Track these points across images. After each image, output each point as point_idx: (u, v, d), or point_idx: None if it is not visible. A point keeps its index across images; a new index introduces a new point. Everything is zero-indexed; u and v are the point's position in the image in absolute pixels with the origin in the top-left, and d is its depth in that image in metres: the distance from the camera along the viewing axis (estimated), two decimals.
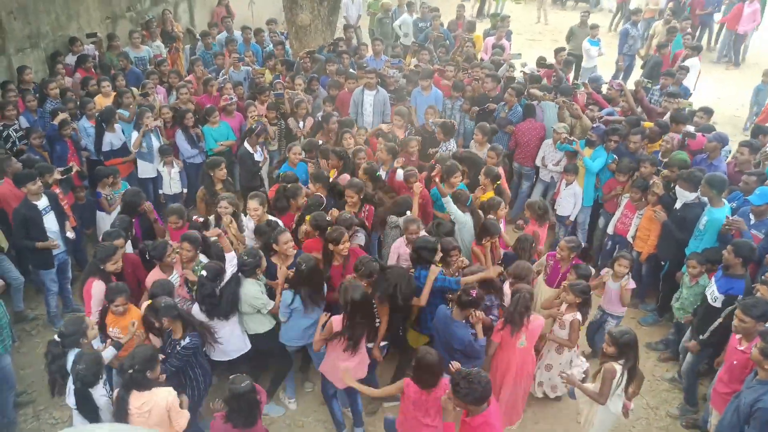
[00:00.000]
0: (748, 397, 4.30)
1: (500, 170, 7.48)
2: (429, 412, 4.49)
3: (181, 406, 4.40)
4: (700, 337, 5.58)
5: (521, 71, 10.33)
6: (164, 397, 4.26)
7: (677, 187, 6.53)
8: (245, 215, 6.54)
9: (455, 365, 4.40)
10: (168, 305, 4.77)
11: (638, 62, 13.22)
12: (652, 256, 6.94)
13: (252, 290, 5.34)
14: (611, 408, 4.83)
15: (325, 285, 5.56)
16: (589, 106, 8.71)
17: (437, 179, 6.63)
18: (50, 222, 6.47)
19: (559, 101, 8.43)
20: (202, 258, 5.78)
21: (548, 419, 5.89)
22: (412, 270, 5.58)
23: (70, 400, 4.35)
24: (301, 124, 8.83)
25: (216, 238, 5.66)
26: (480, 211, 6.69)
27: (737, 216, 6.16)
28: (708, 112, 8.24)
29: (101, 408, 4.29)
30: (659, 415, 5.99)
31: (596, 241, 8.09)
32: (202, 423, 5.44)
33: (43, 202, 6.42)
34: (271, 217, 6.33)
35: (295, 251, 5.70)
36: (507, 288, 5.67)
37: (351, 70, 9.88)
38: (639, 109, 8.76)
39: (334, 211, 6.22)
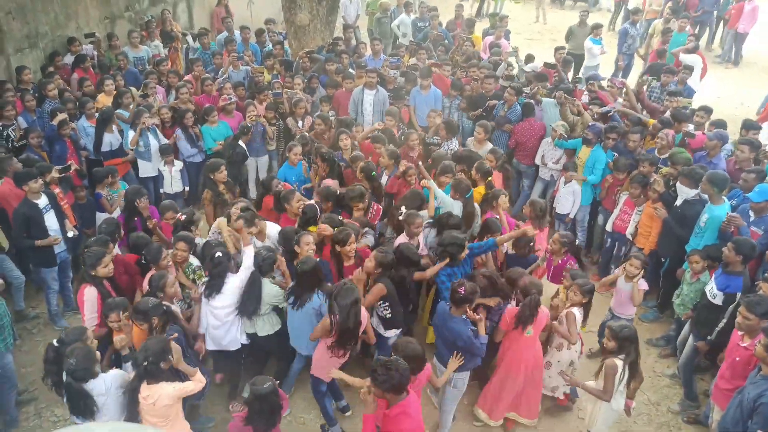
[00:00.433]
0: (751, 392, 4.32)
1: (499, 174, 7.52)
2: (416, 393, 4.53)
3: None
4: (708, 338, 5.59)
5: (525, 70, 10.39)
6: (168, 392, 4.31)
7: (678, 184, 6.54)
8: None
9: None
10: (155, 304, 4.80)
11: (638, 61, 13.27)
12: (652, 252, 6.94)
13: (271, 290, 5.41)
14: (613, 405, 4.84)
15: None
16: (591, 105, 8.71)
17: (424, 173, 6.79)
18: (51, 220, 6.49)
19: (559, 96, 8.43)
20: (193, 260, 5.87)
21: (550, 416, 5.90)
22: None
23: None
24: (300, 123, 8.84)
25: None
26: (476, 205, 6.73)
27: (736, 213, 6.18)
28: (708, 111, 8.25)
29: (100, 407, 4.28)
30: (660, 411, 6.00)
31: (596, 239, 8.10)
32: (202, 419, 5.44)
33: (43, 201, 6.43)
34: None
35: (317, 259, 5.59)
36: None
37: (350, 70, 9.88)
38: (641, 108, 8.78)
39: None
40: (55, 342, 4.48)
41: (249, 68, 10.58)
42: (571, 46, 12.89)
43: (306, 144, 7.83)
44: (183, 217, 6.19)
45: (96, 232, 7.16)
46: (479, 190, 7.02)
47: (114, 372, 4.49)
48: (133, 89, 9.27)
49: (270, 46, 11.83)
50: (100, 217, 7.25)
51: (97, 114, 8.31)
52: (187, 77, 9.95)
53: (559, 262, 6.17)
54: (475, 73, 9.70)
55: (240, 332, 5.50)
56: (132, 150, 8.17)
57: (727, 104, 12.61)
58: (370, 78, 8.98)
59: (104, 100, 8.84)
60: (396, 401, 4.06)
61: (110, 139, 8.15)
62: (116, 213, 6.99)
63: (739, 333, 4.87)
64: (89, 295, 5.22)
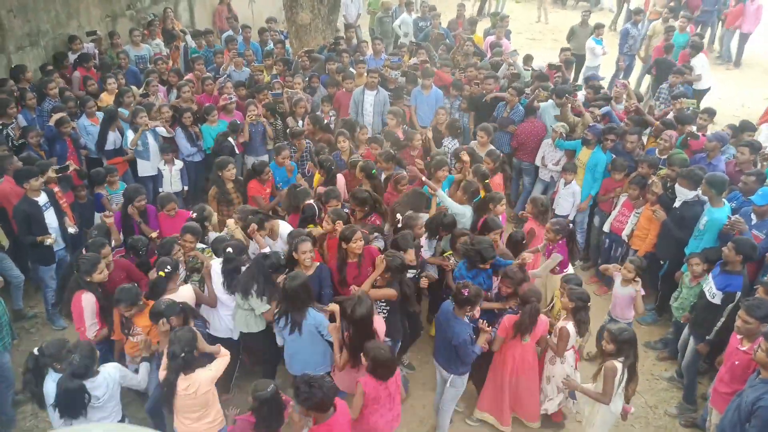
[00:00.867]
0: (750, 395, 4.30)
1: (498, 175, 7.53)
2: (387, 402, 4.56)
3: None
4: (707, 337, 5.59)
5: (532, 68, 10.40)
6: (206, 375, 4.47)
7: (677, 186, 6.53)
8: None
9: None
10: (170, 304, 4.82)
11: (638, 62, 13.24)
12: (651, 255, 6.93)
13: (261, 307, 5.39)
14: (612, 408, 4.83)
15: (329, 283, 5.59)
16: (590, 108, 8.69)
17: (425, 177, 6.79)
18: (51, 218, 6.51)
19: (566, 101, 8.40)
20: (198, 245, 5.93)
21: (547, 419, 5.86)
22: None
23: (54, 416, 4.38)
24: (300, 123, 8.83)
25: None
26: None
27: (738, 216, 6.16)
28: (711, 113, 8.24)
29: (100, 405, 4.32)
30: (658, 414, 6.00)
31: (593, 240, 8.09)
32: None
33: (43, 198, 6.46)
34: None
35: (317, 263, 5.57)
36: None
37: (351, 69, 9.87)
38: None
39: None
40: (35, 351, 4.47)
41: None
42: (572, 47, 12.84)
43: (298, 136, 7.98)
44: (194, 215, 6.22)
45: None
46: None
47: (111, 367, 4.53)
48: (134, 88, 9.28)
49: (271, 45, 11.82)
50: (99, 217, 7.25)
51: (98, 112, 8.33)
52: (188, 76, 9.95)
53: (550, 246, 6.22)
54: (472, 73, 9.67)
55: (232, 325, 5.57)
56: (131, 150, 8.17)
57: (729, 106, 12.58)
58: (371, 78, 8.96)
59: (107, 98, 8.86)
60: (322, 419, 4.02)
61: (113, 138, 8.17)
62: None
63: (738, 337, 4.86)
64: (87, 301, 5.18)
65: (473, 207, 6.68)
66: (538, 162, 8.58)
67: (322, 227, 6.11)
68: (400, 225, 6.06)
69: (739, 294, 5.43)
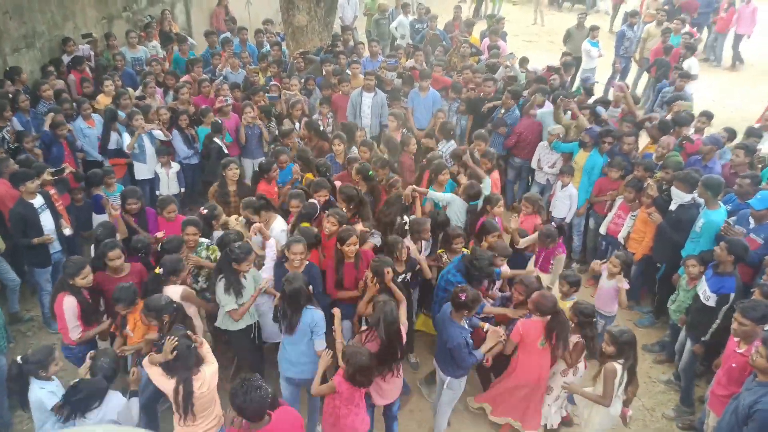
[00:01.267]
0: (747, 398, 4.31)
1: (496, 172, 7.53)
2: (358, 406, 4.61)
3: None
4: (702, 338, 5.61)
5: (522, 70, 10.41)
6: (211, 369, 4.45)
7: (673, 188, 6.54)
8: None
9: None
10: (168, 302, 4.83)
11: (634, 65, 13.29)
12: (646, 257, 6.95)
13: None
14: (611, 410, 4.84)
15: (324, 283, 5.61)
16: (583, 110, 8.70)
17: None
18: (46, 220, 6.48)
19: (560, 102, 8.41)
20: (202, 240, 5.95)
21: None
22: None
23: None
24: (297, 125, 8.81)
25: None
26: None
27: (736, 219, 6.19)
28: (709, 116, 8.27)
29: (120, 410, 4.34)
30: (655, 417, 6.01)
31: (589, 243, 8.11)
32: None
33: (38, 201, 6.43)
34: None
35: (307, 263, 5.53)
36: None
37: (347, 72, 9.87)
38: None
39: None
40: (19, 359, 4.43)
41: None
42: (568, 49, 12.91)
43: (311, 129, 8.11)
44: (205, 212, 6.25)
45: (93, 234, 7.18)
46: None
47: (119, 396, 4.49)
48: (130, 90, 9.26)
49: (268, 47, 11.81)
50: (97, 219, 7.23)
51: (94, 114, 8.31)
52: (185, 78, 9.94)
53: (548, 249, 6.23)
54: (468, 75, 9.66)
55: None
56: (129, 153, 8.15)
57: (724, 108, 12.62)
58: (368, 81, 8.96)
59: (104, 100, 8.83)
60: (254, 427, 3.91)
61: (114, 138, 8.17)
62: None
63: (735, 339, 4.87)
64: (69, 304, 5.13)
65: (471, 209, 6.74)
66: (534, 164, 8.59)
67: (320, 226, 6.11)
68: (406, 228, 6.10)
69: (732, 295, 5.45)
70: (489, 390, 5.74)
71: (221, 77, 10.08)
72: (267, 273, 5.74)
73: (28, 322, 7.01)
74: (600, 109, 8.70)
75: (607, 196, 7.52)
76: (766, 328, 4.84)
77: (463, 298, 4.87)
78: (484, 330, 5.36)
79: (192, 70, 10.04)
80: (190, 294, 5.39)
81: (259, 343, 5.74)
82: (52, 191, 6.85)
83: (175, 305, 4.90)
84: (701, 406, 5.70)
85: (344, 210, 6.22)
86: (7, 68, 8.93)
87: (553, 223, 7.82)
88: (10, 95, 8.17)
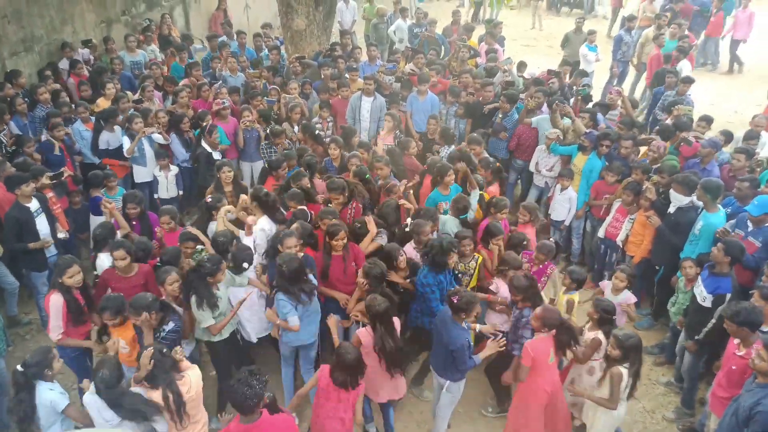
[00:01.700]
0: (747, 400, 4.31)
1: (495, 185, 7.57)
2: (334, 403, 4.61)
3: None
4: (696, 337, 5.62)
5: (521, 75, 10.44)
6: (196, 373, 4.53)
7: (671, 191, 6.55)
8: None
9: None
10: (152, 300, 4.82)
11: (632, 69, 13.32)
12: (644, 260, 6.95)
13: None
14: (614, 413, 4.83)
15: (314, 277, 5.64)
16: (582, 114, 8.72)
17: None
18: (42, 224, 6.47)
19: (556, 107, 8.43)
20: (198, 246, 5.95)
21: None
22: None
23: None
24: (295, 128, 8.83)
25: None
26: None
27: (735, 222, 6.21)
28: (708, 121, 8.29)
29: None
30: (655, 419, 6.00)
31: (587, 246, 8.12)
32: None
33: (34, 204, 6.41)
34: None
35: (303, 254, 5.66)
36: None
37: (346, 76, 9.89)
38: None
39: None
40: (19, 367, 4.41)
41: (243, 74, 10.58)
42: (566, 53, 12.96)
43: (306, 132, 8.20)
44: (209, 200, 6.49)
45: (90, 236, 7.17)
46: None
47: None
48: (129, 93, 9.26)
49: (266, 51, 11.83)
50: (95, 220, 7.22)
51: (92, 117, 8.32)
52: (184, 82, 9.94)
53: (540, 266, 6.18)
54: (467, 79, 9.69)
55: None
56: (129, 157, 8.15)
57: (722, 112, 12.66)
58: (367, 85, 8.98)
59: (103, 104, 8.83)
60: (244, 420, 3.91)
61: (108, 138, 8.14)
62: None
63: (735, 342, 4.87)
64: (55, 302, 5.10)
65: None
66: (532, 168, 8.60)
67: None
68: (408, 230, 6.12)
69: (728, 296, 5.45)
70: (510, 424, 5.38)
71: (220, 81, 10.09)
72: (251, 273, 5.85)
73: (26, 326, 7.00)
74: (599, 117, 8.70)
75: (604, 200, 7.53)
76: (765, 330, 4.87)
77: (456, 302, 4.87)
78: (476, 331, 5.43)
79: (191, 73, 10.05)
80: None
81: (244, 344, 5.74)
82: (51, 194, 6.83)
83: (160, 302, 4.90)
84: (701, 408, 5.70)
85: (339, 199, 6.42)
86: (6, 72, 8.94)
87: (551, 236, 7.89)
88: (8, 99, 8.18)
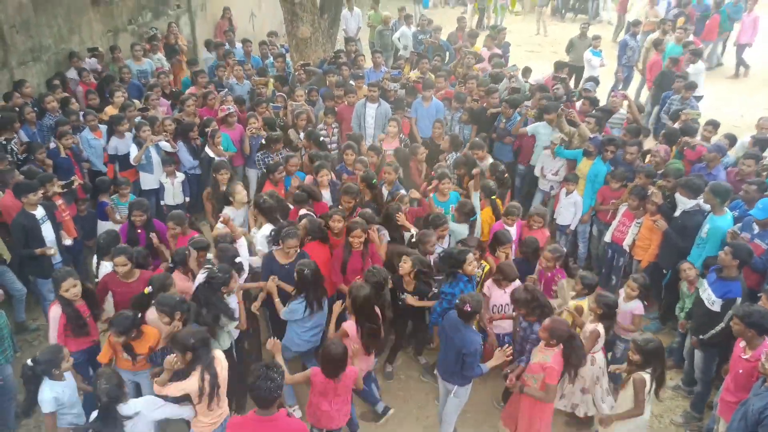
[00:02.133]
0: (756, 404, 4.29)
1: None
2: (333, 398, 4.76)
3: None
4: (701, 337, 5.60)
5: (526, 81, 10.46)
6: (220, 354, 4.65)
7: (677, 195, 6.55)
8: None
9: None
10: (181, 299, 4.93)
11: (637, 74, 13.31)
12: (654, 264, 6.93)
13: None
14: (637, 419, 4.82)
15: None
16: (587, 118, 8.72)
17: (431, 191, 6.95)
18: (47, 231, 6.51)
19: (561, 112, 8.42)
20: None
21: (567, 428, 5.87)
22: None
23: None
24: (301, 135, 8.86)
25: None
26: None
27: (741, 225, 6.18)
28: (715, 125, 8.27)
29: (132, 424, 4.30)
30: (663, 423, 5.96)
31: (593, 250, 8.10)
32: None
33: (40, 212, 6.46)
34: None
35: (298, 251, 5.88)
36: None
37: (351, 83, 9.93)
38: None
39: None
40: (29, 362, 4.45)
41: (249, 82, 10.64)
42: (571, 58, 12.98)
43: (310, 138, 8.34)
44: (223, 189, 6.90)
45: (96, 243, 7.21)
46: (487, 212, 7.07)
47: (145, 399, 4.51)
48: (136, 101, 9.33)
49: (271, 58, 11.90)
50: (103, 226, 7.28)
51: (101, 125, 8.42)
52: (191, 90, 10.01)
53: (549, 275, 6.16)
54: (472, 84, 9.71)
55: None
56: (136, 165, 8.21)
57: (728, 116, 12.61)
58: (371, 92, 9.02)
59: (111, 112, 8.90)
60: (261, 414, 4.00)
61: (117, 144, 8.22)
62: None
63: (741, 345, 4.84)
64: (54, 314, 5.13)
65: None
66: (537, 172, 8.59)
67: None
68: (413, 240, 6.17)
69: (739, 300, 5.42)
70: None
71: (226, 89, 10.15)
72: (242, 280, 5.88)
73: (34, 332, 7.03)
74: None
75: (610, 205, 7.52)
76: None
77: (469, 309, 4.89)
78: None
79: (197, 81, 10.12)
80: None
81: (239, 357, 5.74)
82: (60, 202, 6.89)
83: (187, 305, 4.94)
84: (709, 413, 5.66)
85: (351, 204, 6.59)
86: (14, 81, 9.04)
87: (557, 240, 7.88)
88: (17, 108, 8.26)
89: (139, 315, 5.01)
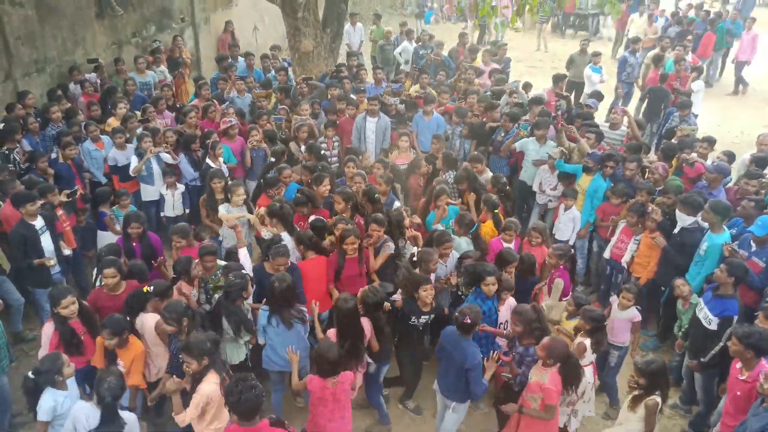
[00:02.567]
0: (755, 424, 4.28)
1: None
2: (333, 405, 4.75)
3: None
4: (702, 359, 5.57)
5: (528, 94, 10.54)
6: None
7: (676, 211, 6.55)
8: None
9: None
10: (186, 306, 4.96)
11: (637, 90, 13.38)
12: (652, 281, 6.92)
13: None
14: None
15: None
16: (587, 134, 8.75)
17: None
18: (46, 241, 6.52)
19: (560, 128, 8.46)
20: (220, 262, 6.01)
21: None
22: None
23: None
24: (302, 148, 8.90)
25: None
26: (483, 239, 6.80)
27: (738, 243, 6.19)
28: (711, 142, 8.28)
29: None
30: None
31: (592, 266, 8.09)
32: None
33: (39, 222, 6.47)
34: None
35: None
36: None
37: (351, 96, 9.99)
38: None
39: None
40: (30, 374, 4.44)
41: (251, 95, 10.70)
42: (572, 74, 13.04)
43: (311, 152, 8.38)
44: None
45: (96, 254, 7.22)
46: (488, 225, 7.06)
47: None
48: (137, 113, 9.38)
49: (273, 72, 11.97)
50: (103, 236, 7.29)
51: (103, 136, 8.47)
52: (193, 102, 10.06)
53: (552, 272, 6.20)
54: (473, 99, 9.76)
55: None
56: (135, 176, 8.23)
57: (727, 133, 12.67)
58: (372, 106, 9.07)
59: (114, 123, 8.96)
60: (245, 426, 3.97)
61: (116, 155, 8.24)
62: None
63: (737, 366, 4.82)
64: (46, 331, 5.13)
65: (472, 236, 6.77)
66: (535, 187, 8.60)
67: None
68: (414, 259, 6.12)
69: (735, 318, 5.41)
70: None
71: (227, 102, 10.20)
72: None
73: (31, 342, 7.00)
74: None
75: (610, 222, 7.52)
76: None
77: (469, 321, 4.89)
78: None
79: (200, 94, 10.17)
80: (163, 331, 5.16)
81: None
82: (60, 212, 6.91)
83: (191, 311, 4.98)
84: None
85: (342, 206, 6.76)
86: (18, 92, 9.10)
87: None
88: (21, 119, 8.31)
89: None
